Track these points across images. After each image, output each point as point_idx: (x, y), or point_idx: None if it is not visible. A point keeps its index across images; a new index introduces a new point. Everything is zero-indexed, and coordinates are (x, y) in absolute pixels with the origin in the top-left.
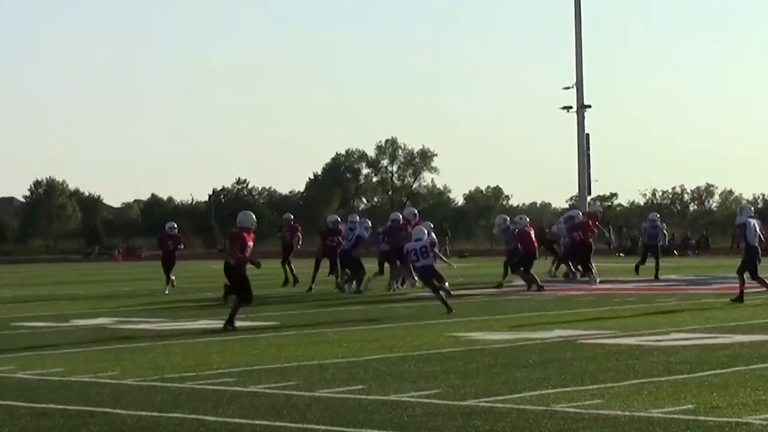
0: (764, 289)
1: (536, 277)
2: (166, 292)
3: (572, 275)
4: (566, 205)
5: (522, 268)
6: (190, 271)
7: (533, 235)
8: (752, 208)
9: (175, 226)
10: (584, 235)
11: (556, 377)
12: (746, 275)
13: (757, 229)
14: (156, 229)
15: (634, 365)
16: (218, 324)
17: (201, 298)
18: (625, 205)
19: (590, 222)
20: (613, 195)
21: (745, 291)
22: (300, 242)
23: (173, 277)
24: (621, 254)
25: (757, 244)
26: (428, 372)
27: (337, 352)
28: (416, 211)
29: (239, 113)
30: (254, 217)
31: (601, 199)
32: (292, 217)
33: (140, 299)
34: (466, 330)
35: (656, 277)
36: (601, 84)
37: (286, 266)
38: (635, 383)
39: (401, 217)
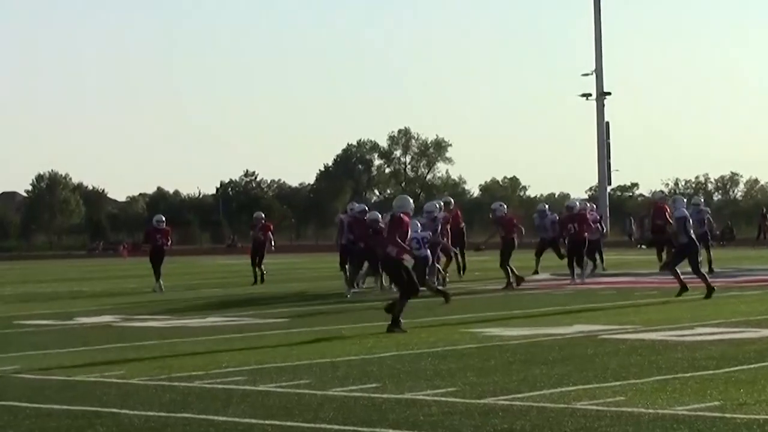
0: (676, 283)
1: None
2: (155, 290)
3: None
4: (585, 196)
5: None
6: (197, 267)
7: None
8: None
9: (163, 219)
10: (579, 228)
11: (577, 374)
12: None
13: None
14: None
15: (658, 361)
16: (227, 321)
17: (209, 294)
18: (647, 195)
19: (586, 216)
20: (634, 185)
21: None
22: (272, 242)
23: (159, 283)
24: (642, 246)
25: (687, 241)
26: (444, 369)
27: (350, 349)
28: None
29: (247, 103)
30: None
31: (622, 189)
32: (263, 215)
33: (146, 296)
34: (483, 326)
35: (711, 270)
36: (622, 70)
37: (256, 267)
38: (659, 380)
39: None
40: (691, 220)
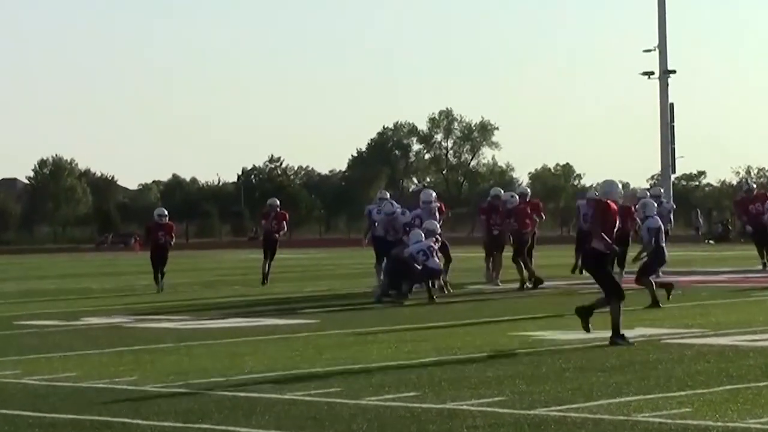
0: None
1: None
2: (159, 289)
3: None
4: (647, 185)
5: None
6: (217, 262)
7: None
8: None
9: (166, 213)
10: (519, 224)
11: (638, 382)
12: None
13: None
14: (178, 214)
15: (728, 368)
16: (249, 322)
17: (230, 293)
18: (715, 184)
19: (528, 209)
20: (701, 173)
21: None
22: (285, 233)
23: (163, 281)
24: (710, 241)
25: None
26: (490, 377)
27: (386, 354)
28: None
29: (272, 82)
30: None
31: (687, 178)
32: (278, 202)
33: (161, 294)
34: (534, 328)
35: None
36: (688, 46)
37: (268, 263)
38: (729, 389)
39: (503, 193)
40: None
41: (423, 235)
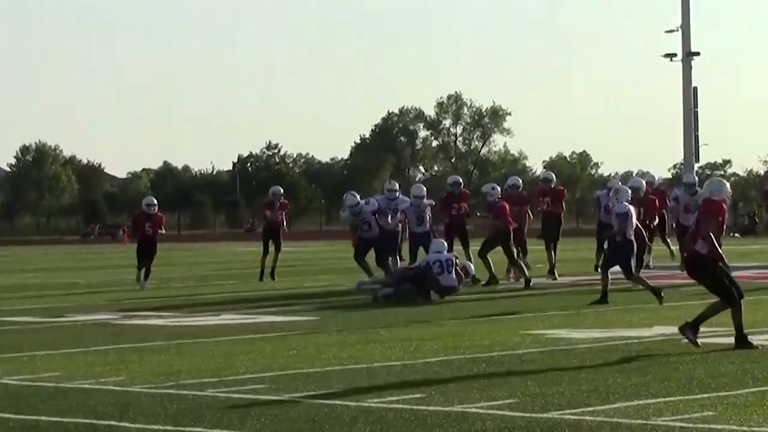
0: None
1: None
2: (140, 288)
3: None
4: (669, 175)
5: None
6: (210, 255)
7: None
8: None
9: (155, 202)
10: (500, 221)
11: (657, 384)
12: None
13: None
14: (170, 204)
15: (753, 370)
16: (244, 319)
17: (224, 288)
18: (741, 174)
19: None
20: (726, 162)
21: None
22: (285, 223)
23: (145, 281)
24: (736, 234)
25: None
26: (501, 378)
27: (390, 353)
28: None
29: (269, 64)
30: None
31: (712, 167)
32: (282, 191)
33: (150, 290)
34: (546, 326)
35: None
36: (712, 26)
37: (275, 256)
38: (755, 392)
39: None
40: (633, 217)
41: (445, 245)
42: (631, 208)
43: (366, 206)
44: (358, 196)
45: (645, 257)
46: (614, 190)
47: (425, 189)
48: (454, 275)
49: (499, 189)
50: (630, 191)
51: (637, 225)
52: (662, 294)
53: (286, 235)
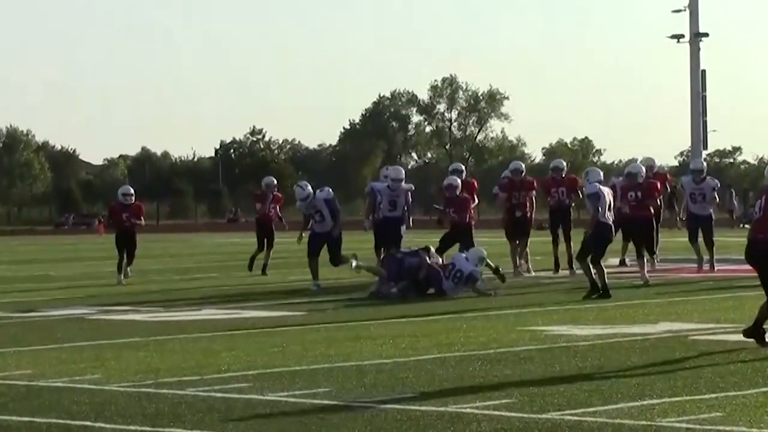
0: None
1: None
2: (122, 282)
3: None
4: (675, 163)
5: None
6: (191, 247)
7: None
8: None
9: (132, 192)
10: (459, 214)
11: (663, 383)
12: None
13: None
14: (148, 193)
15: (764, 368)
16: (227, 314)
17: (205, 282)
18: (752, 162)
19: (470, 193)
20: (736, 150)
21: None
22: (280, 217)
23: (130, 271)
24: (746, 225)
25: (609, 221)
26: (497, 377)
27: (380, 351)
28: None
29: (254, 45)
30: None
31: (721, 154)
32: (275, 182)
33: (128, 283)
34: (545, 323)
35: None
36: (722, 6)
37: (268, 251)
38: (765, 392)
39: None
40: (606, 197)
41: (483, 257)
42: (604, 190)
43: (320, 193)
44: (309, 187)
45: (655, 249)
46: (585, 171)
47: (404, 172)
48: (460, 287)
49: (459, 180)
50: (601, 173)
51: (641, 218)
52: (607, 291)
53: (284, 228)
